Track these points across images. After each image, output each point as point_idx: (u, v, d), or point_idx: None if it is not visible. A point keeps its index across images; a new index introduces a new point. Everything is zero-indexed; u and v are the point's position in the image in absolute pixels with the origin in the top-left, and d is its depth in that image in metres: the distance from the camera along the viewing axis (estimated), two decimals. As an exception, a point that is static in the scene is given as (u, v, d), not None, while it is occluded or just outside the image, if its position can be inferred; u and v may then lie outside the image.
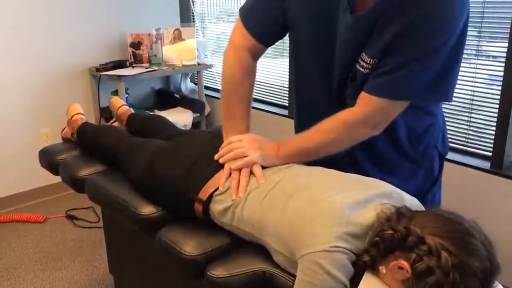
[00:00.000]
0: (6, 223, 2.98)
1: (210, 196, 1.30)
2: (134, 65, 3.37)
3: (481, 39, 2.24)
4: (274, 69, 3.31)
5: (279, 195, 1.18)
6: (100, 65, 3.30)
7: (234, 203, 1.25)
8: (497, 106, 2.21)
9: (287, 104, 3.28)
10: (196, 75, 3.74)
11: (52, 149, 1.97)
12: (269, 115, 3.27)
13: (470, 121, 2.36)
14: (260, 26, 1.39)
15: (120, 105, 2.18)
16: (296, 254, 1.06)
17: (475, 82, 2.30)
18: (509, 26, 2.10)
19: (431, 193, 1.49)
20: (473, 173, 2.30)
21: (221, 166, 1.34)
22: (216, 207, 1.29)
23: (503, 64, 2.15)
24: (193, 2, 3.78)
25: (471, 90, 2.31)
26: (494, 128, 2.25)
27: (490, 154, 2.29)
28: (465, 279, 0.93)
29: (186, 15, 3.81)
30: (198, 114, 3.59)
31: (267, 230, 1.16)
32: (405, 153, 1.41)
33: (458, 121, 2.40)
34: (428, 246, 0.95)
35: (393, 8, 1.13)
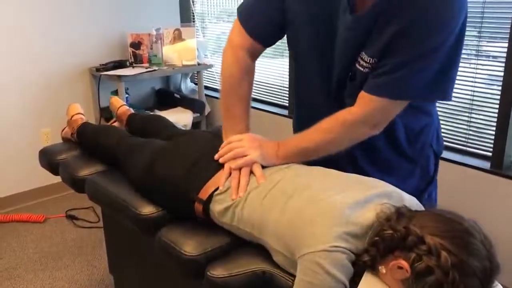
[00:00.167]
0: (6, 223, 2.99)
1: (210, 196, 1.30)
2: (134, 65, 3.38)
3: (481, 39, 2.24)
4: (274, 69, 3.31)
5: (279, 195, 1.18)
6: (100, 65, 3.30)
7: (234, 202, 1.25)
8: (497, 106, 2.21)
9: (287, 104, 3.28)
10: (196, 75, 3.74)
11: (52, 149, 1.97)
12: (269, 115, 3.27)
13: (470, 121, 2.36)
14: (259, 26, 1.39)
15: (120, 105, 2.18)
16: (296, 254, 1.06)
17: (475, 82, 2.30)
18: (509, 26, 2.10)
19: (427, 192, 1.49)
20: (473, 173, 2.30)
21: (221, 166, 1.34)
22: (216, 207, 1.29)
23: (503, 64, 2.15)
24: (193, 2, 3.79)
25: (471, 90, 2.32)
26: (494, 128, 2.25)
27: (490, 154, 2.29)
28: (465, 279, 0.93)
29: (186, 15, 3.81)
30: (198, 114, 3.59)
31: (267, 230, 1.16)
32: (404, 153, 1.42)
33: (458, 121, 2.40)
34: (428, 246, 0.95)
35: (393, 8, 1.13)
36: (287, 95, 3.28)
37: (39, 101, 3.18)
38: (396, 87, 1.19)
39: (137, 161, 1.55)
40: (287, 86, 3.25)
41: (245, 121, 1.44)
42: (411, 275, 0.96)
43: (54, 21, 3.14)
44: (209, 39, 3.83)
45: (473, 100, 2.32)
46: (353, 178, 1.24)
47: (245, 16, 1.40)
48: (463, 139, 2.41)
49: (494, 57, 2.24)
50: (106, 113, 3.29)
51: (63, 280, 2.45)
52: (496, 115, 2.23)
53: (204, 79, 3.71)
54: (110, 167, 1.77)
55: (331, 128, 1.29)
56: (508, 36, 2.10)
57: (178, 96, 3.73)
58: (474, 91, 2.31)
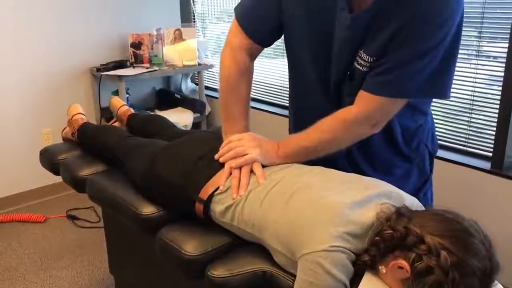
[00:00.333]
0: (7, 223, 2.99)
1: (211, 196, 1.30)
2: (134, 65, 3.38)
3: (481, 40, 2.24)
4: (274, 69, 3.31)
5: (280, 194, 1.18)
6: (101, 65, 3.31)
7: (235, 202, 1.25)
8: (497, 106, 2.21)
9: (287, 104, 3.28)
10: (196, 75, 3.74)
11: (53, 149, 1.97)
12: (269, 115, 3.27)
13: (471, 122, 2.36)
14: (256, 27, 1.39)
15: (120, 105, 2.18)
16: (297, 254, 1.07)
17: (475, 82, 2.30)
18: (510, 26, 2.10)
19: (423, 190, 1.50)
20: (473, 174, 2.30)
21: (222, 166, 1.34)
22: (217, 207, 1.29)
23: (504, 65, 2.15)
24: (193, 2, 3.79)
25: (472, 91, 2.31)
26: (494, 129, 2.25)
27: (490, 154, 2.29)
28: (465, 278, 0.94)
29: (187, 15, 3.81)
30: (199, 114, 3.59)
31: (267, 230, 1.16)
32: (400, 152, 1.43)
33: (459, 121, 2.40)
34: (428, 246, 0.95)
35: (391, 7, 1.14)
36: (287, 95, 3.27)
37: (40, 101, 3.18)
38: (396, 85, 1.19)
39: (138, 161, 1.55)
40: (287, 86, 3.24)
41: (245, 121, 1.44)
42: (411, 274, 0.97)
43: (55, 21, 3.14)
44: (209, 39, 3.84)
45: (473, 100, 2.32)
46: (353, 178, 1.24)
47: (242, 16, 1.41)
48: (464, 139, 2.41)
49: (494, 57, 2.24)
50: (106, 113, 3.29)
51: (64, 280, 2.45)
52: (496, 115, 2.23)
53: (204, 79, 3.71)
54: (110, 167, 1.77)
55: (331, 128, 1.29)
56: (508, 36, 2.10)
57: (178, 96, 3.73)
58: (474, 91, 2.31)
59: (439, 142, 2.45)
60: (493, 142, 2.27)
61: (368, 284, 1.02)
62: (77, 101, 2.29)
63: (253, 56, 1.44)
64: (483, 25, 2.21)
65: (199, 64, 3.53)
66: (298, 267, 1.05)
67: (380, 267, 1.03)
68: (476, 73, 2.28)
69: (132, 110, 2.16)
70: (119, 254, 2.07)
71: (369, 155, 1.41)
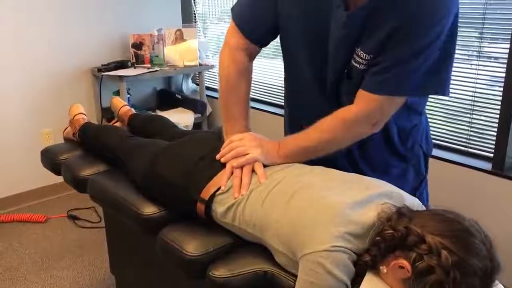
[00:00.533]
0: (8, 223, 2.99)
1: (212, 196, 1.31)
2: (136, 65, 3.38)
3: (482, 40, 2.24)
4: (273, 69, 3.31)
5: (281, 194, 1.18)
6: (102, 65, 3.31)
7: (236, 201, 1.25)
8: (498, 107, 2.21)
9: (286, 105, 3.28)
10: (197, 75, 3.75)
11: (54, 149, 1.97)
12: (268, 115, 3.27)
13: (472, 122, 2.36)
14: (252, 27, 1.40)
15: (121, 105, 2.19)
16: (298, 254, 1.07)
17: (476, 83, 2.30)
18: (511, 27, 2.10)
19: (419, 190, 1.51)
20: (474, 174, 2.30)
21: (223, 166, 1.34)
22: (218, 207, 1.29)
23: (505, 65, 2.15)
24: (194, 2, 3.79)
25: (473, 91, 2.31)
26: (495, 129, 2.25)
27: (491, 155, 2.29)
28: (466, 278, 0.94)
29: (188, 16, 3.81)
30: (200, 115, 3.59)
31: (268, 230, 1.16)
32: (397, 152, 1.44)
33: (460, 122, 2.40)
34: (428, 245, 0.95)
35: (386, 4, 1.14)
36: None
37: (40, 101, 3.19)
38: (395, 84, 1.20)
39: (139, 161, 1.56)
40: (286, 86, 3.24)
41: (245, 121, 1.44)
42: (412, 274, 0.97)
43: (55, 21, 3.15)
44: (210, 40, 3.84)
45: (474, 101, 2.32)
46: (354, 177, 1.24)
47: (238, 16, 1.41)
48: (465, 140, 2.41)
49: (495, 58, 2.24)
50: (107, 113, 3.29)
51: (65, 280, 2.45)
52: (497, 116, 2.22)
53: (205, 79, 3.71)
54: (112, 167, 1.77)
55: (331, 127, 1.29)
56: (509, 37, 2.10)
57: (179, 96, 3.73)
58: (475, 92, 2.31)
59: (440, 142, 2.46)
60: (494, 142, 2.27)
61: (369, 284, 1.02)
62: (78, 101, 2.29)
63: (251, 56, 1.45)
64: (484, 26, 2.21)
65: (200, 65, 3.54)
66: (299, 267, 1.05)
67: (381, 267, 1.03)
68: (477, 74, 2.28)
69: (133, 110, 2.16)
70: (120, 254, 2.07)
71: (367, 154, 1.42)
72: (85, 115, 2.07)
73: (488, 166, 2.29)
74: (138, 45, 3.39)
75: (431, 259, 0.95)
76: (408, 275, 0.97)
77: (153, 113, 3.43)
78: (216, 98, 3.67)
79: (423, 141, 1.50)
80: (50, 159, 1.92)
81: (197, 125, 3.56)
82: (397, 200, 1.12)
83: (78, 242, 2.78)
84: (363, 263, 1.03)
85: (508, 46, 2.11)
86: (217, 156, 1.37)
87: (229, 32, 1.44)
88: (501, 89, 2.19)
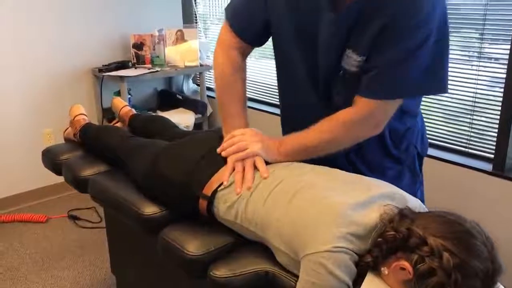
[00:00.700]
0: (8, 223, 2.99)
1: (215, 192, 1.31)
2: (136, 66, 3.38)
3: (483, 41, 2.24)
4: (271, 69, 3.30)
5: (283, 193, 1.18)
6: (102, 65, 3.31)
7: (239, 198, 1.25)
8: (499, 108, 2.21)
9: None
10: (198, 76, 3.75)
11: (55, 149, 1.97)
12: (266, 115, 3.26)
13: (472, 123, 2.36)
14: (245, 26, 1.41)
15: (122, 105, 2.19)
16: (299, 254, 1.07)
17: (477, 84, 2.30)
18: None
19: (414, 191, 1.51)
20: (475, 175, 2.30)
21: (225, 163, 1.34)
22: (221, 204, 1.29)
23: (506, 66, 2.15)
24: (195, 3, 3.79)
25: (473, 92, 2.31)
26: (496, 130, 2.25)
27: (492, 156, 2.29)
28: (467, 280, 0.94)
29: (189, 16, 3.82)
30: (200, 115, 3.59)
31: (270, 229, 1.16)
32: (390, 154, 1.44)
33: (460, 123, 2.40)
34: (430, 247, 0.95)
35: (373, 4, 1.15)
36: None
37: (41, 102, 3.19)
38: (392, 87, 1.21)
39: (140, 161, 1.56)
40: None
41: (243, 118, 1.45)
42: (414, 276, 0.97)
43: (56, 21, 3.15)
44: (211, 40, 3.84)
45: (475, 102, 2.32)
46: (357, 178, 1.24)
47: (231, 15, 1.43)
48: (465, 141, 2.41)
49: (496, 59, 2.24)
50: (108, 113, 3.29)
51: (65, 280, 2.45)
52: (498, 117, 2.22)
53: (206, 80, 3.71)
54: (112, 167, 1.77)
55: (331, 129, 1.30)
56: (510, 38, 2.10)
57: (180, 97, 3.73)
58: (476, 93, 2.31)
59: (440, 143, 2.46)
60: (494, 143, 2.27)
61: (370, 285, 1.02)
62: (79, 102, 2.30)
63: (244, 54, 1.46)
64: (485, 27, 2.21)
65: (201, 65, 3.54)
66: (301, 267, 1.05)
67: (382, 268, 1.03)
68: (478, 75, 2.28)
69: (134, 111, 2.17)
70: (121, 254, 2.07)
71: (363, 156, 1.43)
72: (85, 115, 2.07)
73: (488, 167, 2.29)
74: (139, 46, 3.39)
75: (433, 261, 0.95)
76: (409, 277, 0.97)
77: (153, 114, 3.43)
78: (217, 98, 3.67)
79: (418, 142, 1.50)
80: (51, 159, 1.92)
81: (197, 125, 3.56)
82: (399, 201, 1.13)
83: (79, 242, 2.79)
84: (365, 264, 1.03)
85: (508, 47, 2.11)
86: (218, 150, 1.37)
87: (222, 31, 1.46)
88: (502, 90, 2.19)
